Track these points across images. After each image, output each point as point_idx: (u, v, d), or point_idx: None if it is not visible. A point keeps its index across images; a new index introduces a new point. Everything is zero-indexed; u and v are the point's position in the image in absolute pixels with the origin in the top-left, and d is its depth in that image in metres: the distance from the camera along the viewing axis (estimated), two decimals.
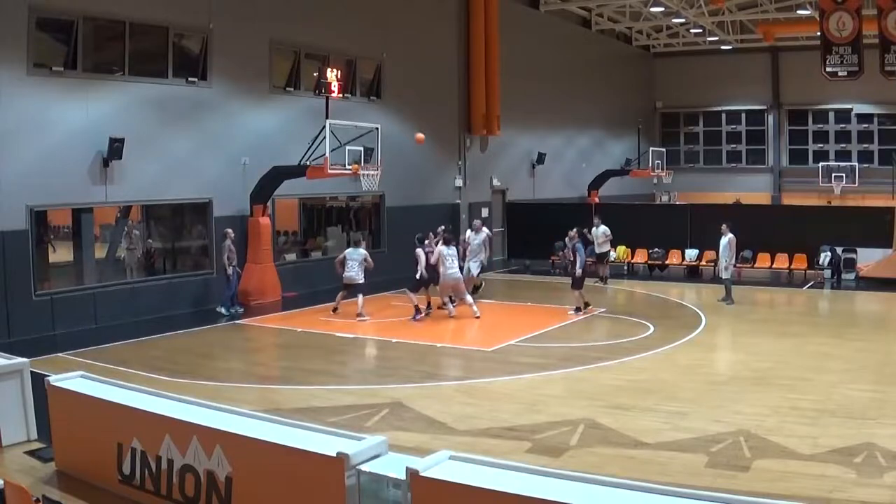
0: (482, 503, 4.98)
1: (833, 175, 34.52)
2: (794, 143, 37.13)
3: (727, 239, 17.39)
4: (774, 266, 21.74)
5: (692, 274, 22.49)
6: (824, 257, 20.90)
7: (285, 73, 19.61)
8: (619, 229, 20.99)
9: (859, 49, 19.70)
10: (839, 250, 20.95)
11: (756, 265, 21.73)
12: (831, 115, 36.02)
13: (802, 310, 18.36)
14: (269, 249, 18.33)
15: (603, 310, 16.67)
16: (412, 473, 5.14)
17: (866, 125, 35.30)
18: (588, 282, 17.29)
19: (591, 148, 33.12)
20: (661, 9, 30.67)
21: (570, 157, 31.68)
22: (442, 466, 5.26)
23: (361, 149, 17.79)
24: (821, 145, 36.37)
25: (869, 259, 20.85)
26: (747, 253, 21.14)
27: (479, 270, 18.58)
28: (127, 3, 15.76)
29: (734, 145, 38.16)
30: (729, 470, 7.56)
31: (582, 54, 31.75)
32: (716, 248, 18.50)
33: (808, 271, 21.35)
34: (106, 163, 15.42)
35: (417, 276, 16.03)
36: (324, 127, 16.96)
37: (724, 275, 17.61)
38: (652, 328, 14.80)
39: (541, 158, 28.95)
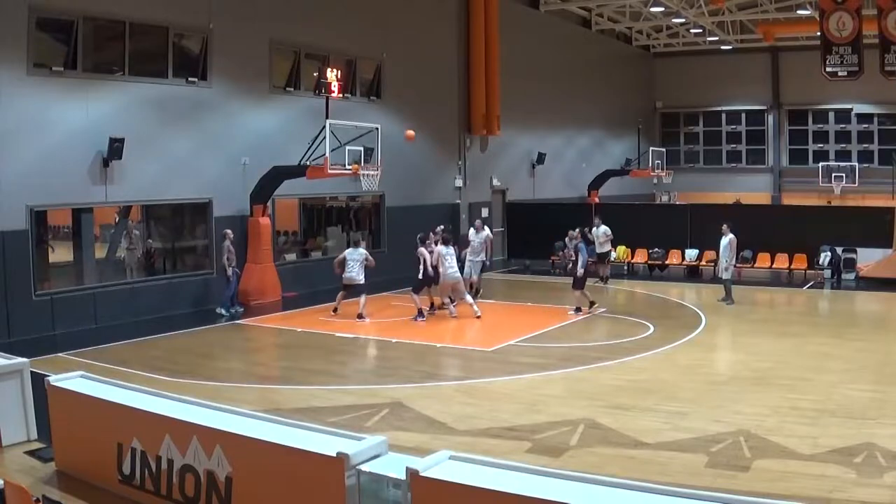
0: (482, 503, 4.98)
1: (833, 175, 34.52)
2: (794, 143, 37.14)
3: (728, 239, 17.39)
4: (774, 266, 21.74)
5: (692, 274, 22.49)
6: (824, 257, 20.91)
7: (285, 73, 19.61)
8: (619, 229, 20.99)
9: (859, 49, 19.69)
10: (839, 250, 20.95)
11: (756, 265, 21.73)
12: (831, 115, 36.02)
13: (802, 310, 18.36)
14: (269, 249, 18.33)
15: (603, 310, 16.67)
16: (412, 473, 5.14)
17: (866, 125, 35.30)
18: (589, 282, 17.27)
19: (591, 148, 33.12)
20: (661, 9, 30.67)
21: (570, 157, 31.68)
22: (442, 466, 5.26)
23: (361, 149, 17.80)
24: (821, 145, 36.37)
25: (869, 259, 20.85)
26: (747, 253, 21.14)
27: (479, 270, 18.69)
28: (127, 3, 15.76)
29: (734, 145, 38.16)
30: (729, 470, 7.56)
31: (582, 54, 31.75)
32: (716, 248, 18.50)
33: (808, 271, 21.35)
34: (106, 163, 15.42)
35: (421, 276, 16.01)
36: (324, 127, 16.96)
37: (725, 275, 17.60)
38: (652, 328, 14.80)
39: (541, 158, 28.95)
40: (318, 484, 5.68)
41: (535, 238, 24.49)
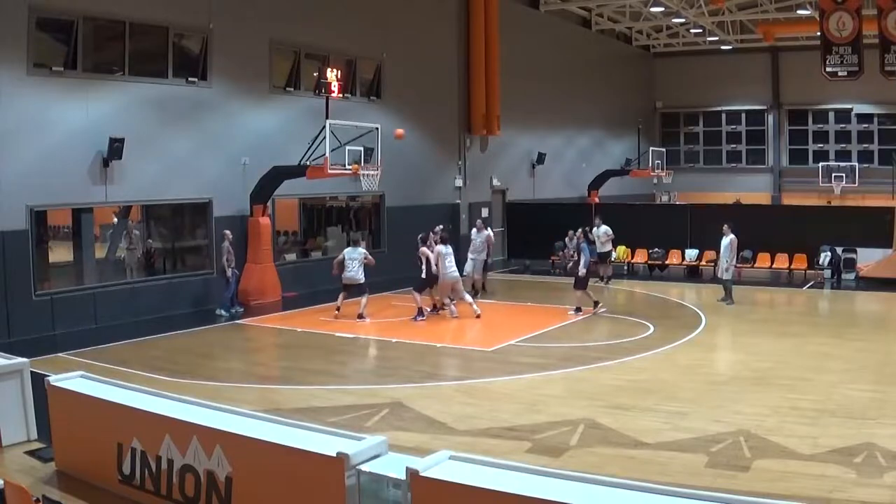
0: (482, 503, 4.97)
1: (833, 175, 34.53)
2: (794, 143, 37.14)
3: (729, 239, 17.39)
4: (774, 266, 21.74)
5: (692, 274, 22.49)
6: (824, 257, 20.90)
7: (285, 73, 19.61)
8: (619, 229, 21.01)
9: (859, 49, 19.70)
10: (839, 250, 20.95)
11: (756, 265, 21.73)
12: (831, 115, 36.03)
13: (802, 310, 18.36)
14: (269, 249, 18.33)
15: (603, 310, 16.66)
16: (412, 473, 5.14)
17: (866, 125, 35.30)
18: (591, 282, 17.29)
19: (591, 148, 33.12)
20: (661, 9, 30.67)
21: (570, 157, 31.68)
22: (442, 466, 5.26)
23: (361, 149, 17.80)
24: (821, 145, 36.37)
25: (869, 259, 20.84)
26: (747, 253, 21.14)
27: (482, 269, 18.78)
28: (127, 3, 15.76)
29: (734, 145, 38.16)
30: (729, 470, 7.56)
31: (582, 54, 31.75)
32: (716, 248, 18.50)
33: (808, 271, 21.35)
34: (106, 163, 15.42)
35: (424, 276, 15.99)
36: (324, 127, 16.96)
37: (726, 276, 17.59)
38: (652, 328, 14.80)
39: (541, 158, 28.95)
40: (318, 484, 5.68)
41: (535, 238, 24.50)
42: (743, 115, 37.88)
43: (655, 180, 34.38)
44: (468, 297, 16.39)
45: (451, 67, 24.74)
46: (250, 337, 15.14)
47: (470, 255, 18.86)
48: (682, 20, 32.38)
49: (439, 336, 14.62)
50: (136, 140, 15.73)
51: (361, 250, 16.05)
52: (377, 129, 18.02)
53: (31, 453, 8.08)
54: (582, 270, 16.30)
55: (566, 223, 23.21)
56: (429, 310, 16.32)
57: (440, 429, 9.02)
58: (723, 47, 34.93)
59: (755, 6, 30.34)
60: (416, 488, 5.13)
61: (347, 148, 17.40)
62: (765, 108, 37.15)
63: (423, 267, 15.96)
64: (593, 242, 19.93)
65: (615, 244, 21.58)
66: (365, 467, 5.47)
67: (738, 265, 19.74)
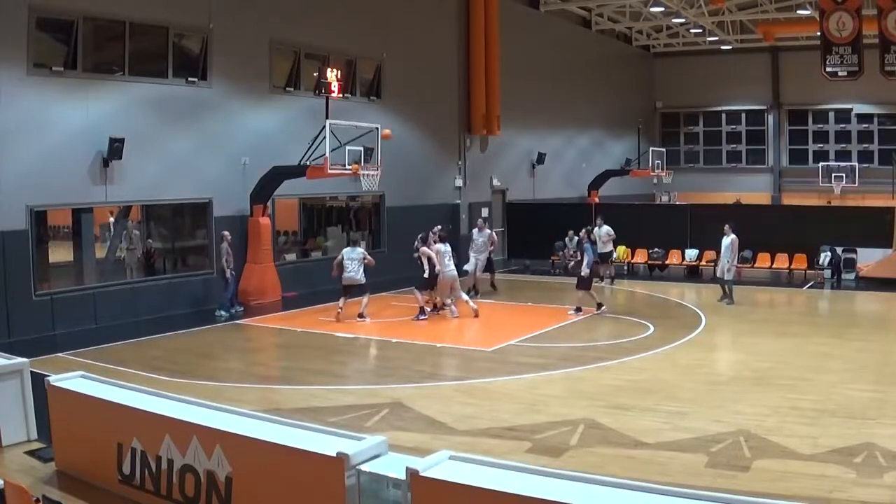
0: (482, 503, 4.97)
1: (833, 175, 34.51)
2: (794, 143, 37.13)
3: (730, 239, 17.39)
4: (774, 266, 21.74)
5: (692, 274, 22.49)
6: (824, 257, 20.90)
7: (285, 73, 19.61)
8: (619, 229, 21.02)
9: (859, 49, 19.69)
10: (839, 250, 20.95)
11: (756, 265, 21.73)
12: (831, 115, 36.02)
13: (802, 310, 18.36)
14: (269, 249, 18.33)
15: (605, 311, 16.64)
16: (412, 473, 5.14)
17: (866, 125, 35.29)
18: (596, 283, 17.31)
19: (591, 148, 33.12)
20: (661, 9, 30.66)
21: (570, 157, 31.67)
22: (442, 466, 5.26)
23: (361, 149, 17.80)
24: (821, 145, 36.37)
25: (869, 259, 20.85)
26: (747, 253, 21.13)
27: (484, 268, 18.80)
28: (127, 3, 15.77)
29: (734, 145, 38.15)
30: (729, 470, 7.56)
31: (582, 54, 31.75)
32: (716, 247, 18.50)
33: (808, 271, 21.35)
34: (106, 163, 15.42)
35: (426, 275, 15.98)
36: (324, 127, 16.96)
37: (727, 276, 17.58)
38: (652, 328, 14.80)
39: (541, 158, 28.95)
40: (318, 484, 5.68)
41: (535, 238, 24.50)
42: (743, 115, 37.88)
43: (655, 180, 34.38)
44: (465, 296, 16.40)
45: (451, 67, 24.74)
46: (250, 337, 15.14)
47: (472, 255, 18.96)
48: (682, 20, 32.37)
49: (439, 336, 14.62)
50: (136, 140, 15.73)
51: (360, 251, 15.99)
52: (377, 129, 18.01)
53: (31, 453, 8.08)
54: (585, 271, 16.28)
55: (566, 223, 23.22)
56: (429, 309, 16.32)
57: (440, 429, 9.02)
58: (723, 47, 34.93)
59: (755, 6, 30.34)
60: (416, 488, 5.13)
61: (347, 148, 17.40)
62: (765, 108, 37.14)
63: (426, 266, 15.95)
64: (594, 243, 19.94)
65: (615, 244, 21.59)
66: (365, 467, 5.47)
67: (739, 265, 19.73)
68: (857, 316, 17.45)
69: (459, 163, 25.27)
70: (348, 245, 16.48)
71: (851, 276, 20.78)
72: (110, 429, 7.11)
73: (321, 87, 18.76)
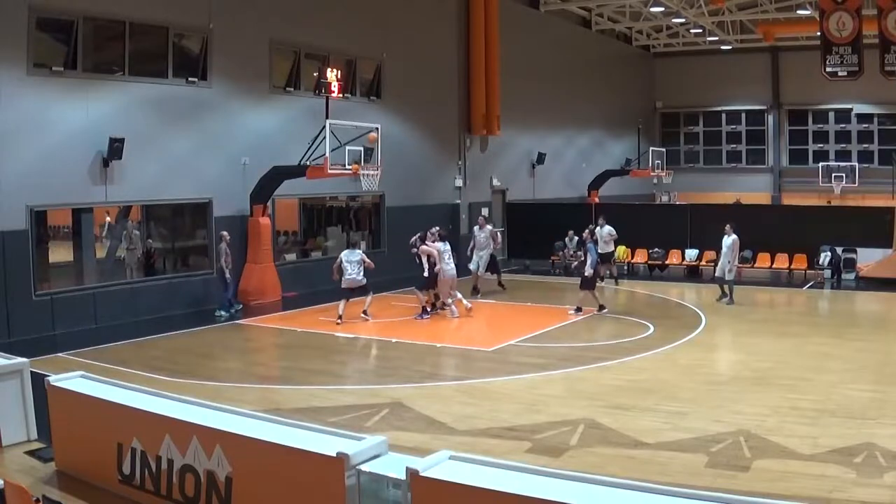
0: (482, 503, 4.97)
1: (833, 175, 34.52)
2: (794, 143, 37.14)
3: (731, 239, 17.38)
4: (774, 266, 21.74)
5: (692, 274, 22.48)
6: (824, 257, 20.90)
7: (285, 73, 19.61)
8: (619, 229, 20.99)
9: (859, 49, 19.69)
10: (839, 250, 20.95)
11: (756, 265, 21.73)
12: (831, 115, 36.03)
13: (802, 310, 18.36)
14: (269, 249, 18.33)
15: (605, 311, 16.64)
16: (412, 473, 5.14)
17: (866, 125, 35.30)
18: (603, 283, 17.31)
19: (591, 148, 33.12)
20: (661, 9, 30.67)
21: (570, 157, 31.68)
22: (442, 466, 5.26)
23: (361, 149, 17.80)
24: (821, 145, 36.37)
25: (869, 259, 20.84)
26: (747, 253, 21.12)
27: (485, 267, 18.98)
28: (127, 3, 15.77)
29: (734, 145, 38.16)
30: (729, 470, 7.56)
31: (582, 54, 31.75)
32: (716, 247, 18.50)
33: (808, 271, 21.35)
34: (106, 163, 15.42)
35: (426, 274, 15.97)
36: (324, 127, 16.96)
37: (728, 276, 17.57)
38: (652, 328, 14.80)
39: (541, 158, 28.95)
40: (318, 484, 5.68)
41: (535, 238, 24.50)
42: (743, 115, 37.88)
43: (655, 180, 34.39)
44: (459, 294, 16.41)
45: (451, 67, 24.74)
46: (250, 337, 15.14)
47: (475, 252, 19.03)
48: (682, 20, 32.38)
49: (439, 336, 14.62)
50: (136, 140, 15.73)
51: (359, 253, 15.92)
52: (377, 129, 18.01)
53: (31, 453, 8.08)
54: (589, 271, 16.27)
55: (566, 223, 23.25)
56: (429, 309, 16.31)
57: (440, 429, 9.02)
58: (723, 47, 34.94)
59: (755, 6, 30.34)
60: (416, 488, 5.13)
61: (347, 148, 17.39)
62: (765, 108, 37.14)
63: (426, 265, 15.93)
64: (596, 242, 19.96)
65: (616, 244, 21.58)
66: (365, 467, 5.47)
67: (739, 265, 19.73)
68: (857, 316, 17.45)
69: (459, 163, 25.27)
70: (347, 247, 16.42)
71: (851, 276, 20.77)
72: (110, 429, 7.11)
73: (321, 87, 18.77)
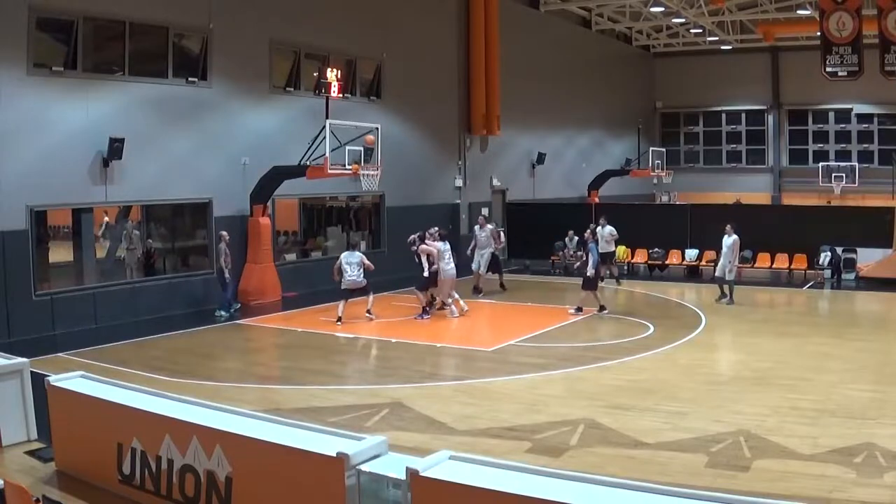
0: (482, 503, 4.97)
1: (833, 175, 34.53)
2: (794, 143, 37.15)
3: (732, 239, 17.37)
4: (774, 266, 21.73)
5: (692, 274, 22.48)
6: (824, 257, 20.89)
7: (285, 73, 19.62)
8: (619, 229, 20.97)
9: (859, 49, 19.69)
10: (839, 250, 20.94)
11: (756, 265, 21.72)
12: (831, 115, 36.03)
13: (802, 310, 18.36)
14: (269, 249, 18.33)
15: (605, 312, 16.63)
16: (412, 473, 5.14)
17: (866, 125, 35.30)
18: (605, 283, 17.30)
19: (591, 148, 33.13)
20: (661, 9, 30.67)
21: (570, 157, 31.68)
22: (442, 466, 5.26)
23: (361, 149, 17.79)
24: (821, 145, 36.38)
25: (869, 259, 20.84)
26: (747, 253, 21.10)
27: (486, 267, 19.05)
28: (127, 3, 15.77)
29: (734, 145, 38.17)
30: (729, 470, 7.56)
31: (582, 54, 31.75)
32: (716, 247, 18.49)
33: (808, 271, 21.34)
34: (106, 163, 15.42)
35: (426, 274, 15.96)
36: (324, 127, 16.96)
37: (729, 276, 17.57)
38: (652, 328, 14.79)
39: (541, 158, 28.96)
40: (318, 484, 5.68)
41: (535, 238, 24.48)
42: (743, 115, 37.89)
43: (655, 180, 34.39)
44: (456, 294, 16.41)
45: (451, 67, 24.74)
46: (250, 337, 15.14)
47: (476, 252, 19.10)
48: (682, 20, 32.38)
49: (439, 336, 14.62)
50: (136, 140, 15.73)
51: (359, 254, 15.90)
52: (377, 129, 18.01)
53: (31, 453, 8.08)
54: (591, 271, 16.26)
55: (566, 223, 23.24)
56: (429, 309, 16.30)
57: (440, 429, 9.02)
58: (723, 47, 34.94)
59: (755, 6, 30.34)
60: (416, 488, 5.13)
61: (347, 148, 17.39)
62: (765, 108, 37.15)
63: (425, 265, 15.93)
64: (597, 242, 19.96)
65: (616, 244, 21.58)
66: (365, 467, 5.47)
67: (739, 265, 19.73)
68: (857, 316, 17.45)
69: (459, 163, 25.27)
70: (347, 248, 16.42)
71: (851, 276, 20.77)
72: (110, 429, 7.11)
73: (321, 87, 18.77)
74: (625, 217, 23.11)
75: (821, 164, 35.19)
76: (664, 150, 34.22)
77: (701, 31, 33.69)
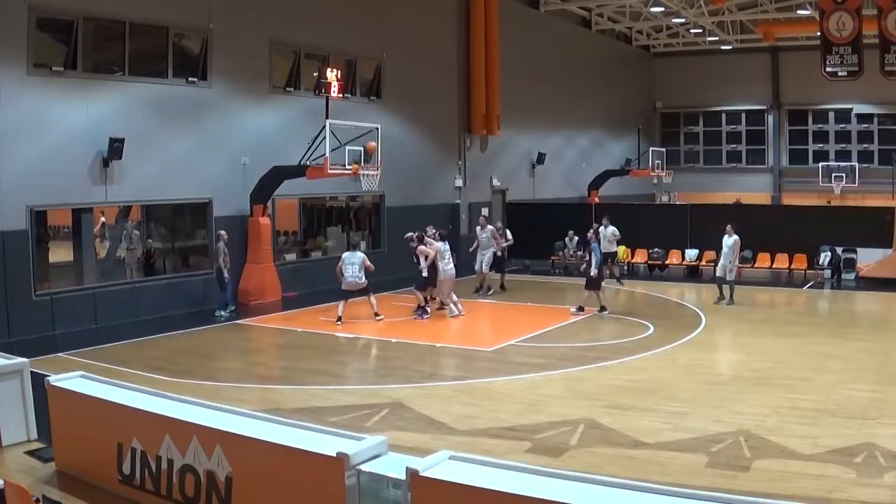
0: (482, 503, 4.97)
1: (833, 175, 34.53)
2: (794, 143, 37.15)
3: (733, 240, 17.37)
4: (774, 266, 21.73)
5: (692, 274, 22.48)
6: (824, 257, 20.89)
7: (285, 73, 19.62)
8: (619, 229, 20.99)
9: (859, 49, 19.69)
10: (839, 250, 20.94)
11: (756, 265, 21.72)
12: (831, 115, 36.04)
13: (802, 310, 18.36)
14: (269, 249, 18.33)
15: (606, 313, 16.63)
16: (412, 473, 5.14)
17: (866, 125, 35.31)
18: (606, 283, 17.28)
19: (591, 148, 33.13)
20: (661, 9, 30.68)
21: (570, 157, 31.69)
22: (442, 466, 5.25)
23: (361, 149, 17.79)
24: (821, 145, 36.38)
25: (869, 259, 20.84)
26: (747, 253, 21.09)
27: (489, 266, 19.09)
28: (127, 3, 15.77)
29: (734, 145, 38.18)
30: (729, 470, 7.56)
31: (582, 54, 31.75)
32: (716, 247, 18.49)
33: (808, 271, 21.33)
34: (106, 163, 15.42)
35: (425, 274, 15.96)
36: (324, 127, 16.96)
37: (730, 276, 17.56)
38: (652, 328, 14.79)
39: (541, 158, 28.96)
40: (318, 484, 5.68)
41: (535, 238, 24.45)
42: (743, 115, 37.90)
43: (655, 180, 34.39)
44: (454, 296, 16.40)
45: (451, 67, 24.75)
46: (250, 337, 15.14)
47: (479, 252, 19.17)
48: (682, 20, 32.38)
49: (439, 336, 14.62)
50: (136, 140, 15.73)
51: (360, 255, 15.91)
52: (377, 129, 18.01)
53: (31, 453, 8.08)
54: (593, 271, 16.26)
55: (566, 223, 23.25)
56: (428, 309, 16.29)
57: (440, 429, 9.02)
58: (723, 47, 34.94)
59: (755, 6, 30.34)
60: (416, 488, 5.13)
61: (347, 148, 17.39)
62: (765, 108, 37.15)
63: (423, 264, 15.93)
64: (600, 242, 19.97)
65: (618, 244, 21.58)
66: (365, 467, 5.47)
67: (739, 265, 19.73)
68: (857, 316, 17.45)
69: (459, 163, 25.28)
70: (348, 249, 16.41)
71: (851, 276, 20.77)
72: (110, 429, 7.11)
73: (321, 87, 18.77)
74: (625, 217, 23.07)
75: (821, 164, 35.19)
76: (664, 150, 34.22)
77: (701, 31, 33.69)
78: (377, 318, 15.56)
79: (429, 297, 16.46)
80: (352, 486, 5.44)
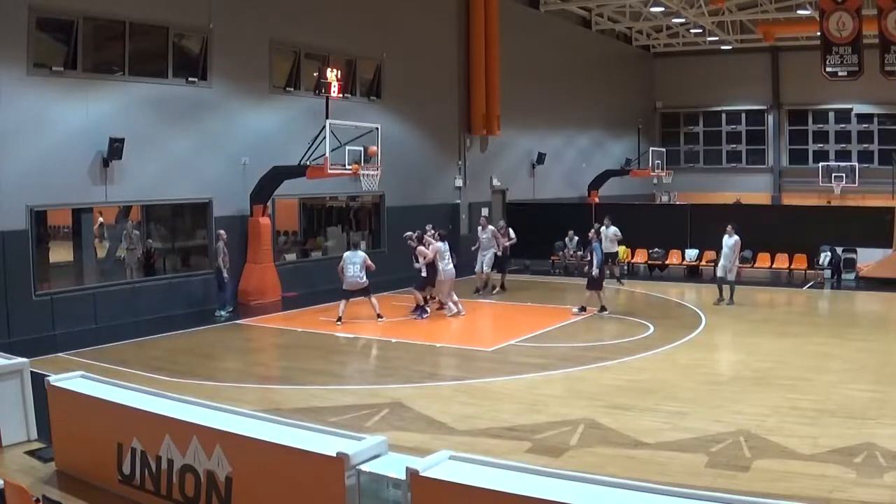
0: (482, 503, 4.97)
1: (833, 175, 34.53)
2: (794, 143, 37.15)
3: (733, 240, 17.36)
4: (774, 266, 21.73)
5: (692, 274, 22.47)
6: (824, 257, 20.88)
7: (285, 73, 19.62)
8: (619, 229, 20.99)
9: (859, 49, 19.69)
10: (839, 250, 20.94)
11: (756, 265, 21.72)
12: (831, 115, 36.04)
13: (802, 310, 18.35)
14: (269, 249, 18.33)
15: (606, 313, 16.63)
16: (412, 473, 5.14)
17: (866, 125, 35.31)
18: (607, 283, 17.27)
19: (591, 148, 33.13)
20: (661, 9, 30.68)
21: (570, 157, 31.69)
22: (442, 466, 5.26)
23: (361, 149, 17.78)
24: (821, 145, 36.38)
25: (869, 259, 20.84)
26: (747, 253, 21.08)
27: (490, 266, 19.14)
28: (127, 3, 15.77)
29: (734, 145, 38.18)
30: (729, 470, 7.56)
31: (582, 54, 31.76)
32: (716, 247, 18.48)
33: (808, 271, 21.33)
34: (106, 163, 15.42)
35: (424, 274, 15.96)
36: (324, 127, 16.96)
37: (730, 277, 17.56)
38: (652, 328, 14.79)
39: (541, 158, 28.96)
40: (318, 484, 5.68)
41: (535, 238, 24.41)
42: (743, 115, 37.90)
43: (655, 180, 34.39)
44: (455, 296, 16.41)
45: (451, 67, 24.75)
46: (250, 337, 15.13)
47: (480, 253, 19.21)
48: (682, 20, 32.38)
49: (439, 336, 14.62)
50: (136, 140, 15.73)
51: (361, 254, 15.90)
52: (377, 129, 18.01)
53: (31, 453, 8.08)
54: (595, 271, 16.26)
55: (566, 223, 23.25)
56: (427, 309, 16.28)
57: (440, 429, 9.02)
58: (723, 47, 34.94)
59: (755, 6, 30.35)
60: (416, 488, 5.13)
61: (347, 148, 17.39)
62: (765, 108, 37.16)
63: (422, 264, 15.93)
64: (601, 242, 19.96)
65: (619, 244, 21.58)
66: (365, 467, 5.47)
67: (739, 265, 19.72)
68: (857, 316, 17.45)
69: (459, 163, 25.28)
70: (349, 248, 16.39)
71: (851, 276, 20.76)
72: (110, 429, 7.11)
73: (321, 87, 18.77)
74: (625, 217, 23.04)
75: (821, 164, 35.19)
76: (664, 150, 34.22)
77: (701, 31, 33.69)
78: (379, 319, 15.56)
79: (428, 297, 16.47)
80: (352, 486, 5.44)
